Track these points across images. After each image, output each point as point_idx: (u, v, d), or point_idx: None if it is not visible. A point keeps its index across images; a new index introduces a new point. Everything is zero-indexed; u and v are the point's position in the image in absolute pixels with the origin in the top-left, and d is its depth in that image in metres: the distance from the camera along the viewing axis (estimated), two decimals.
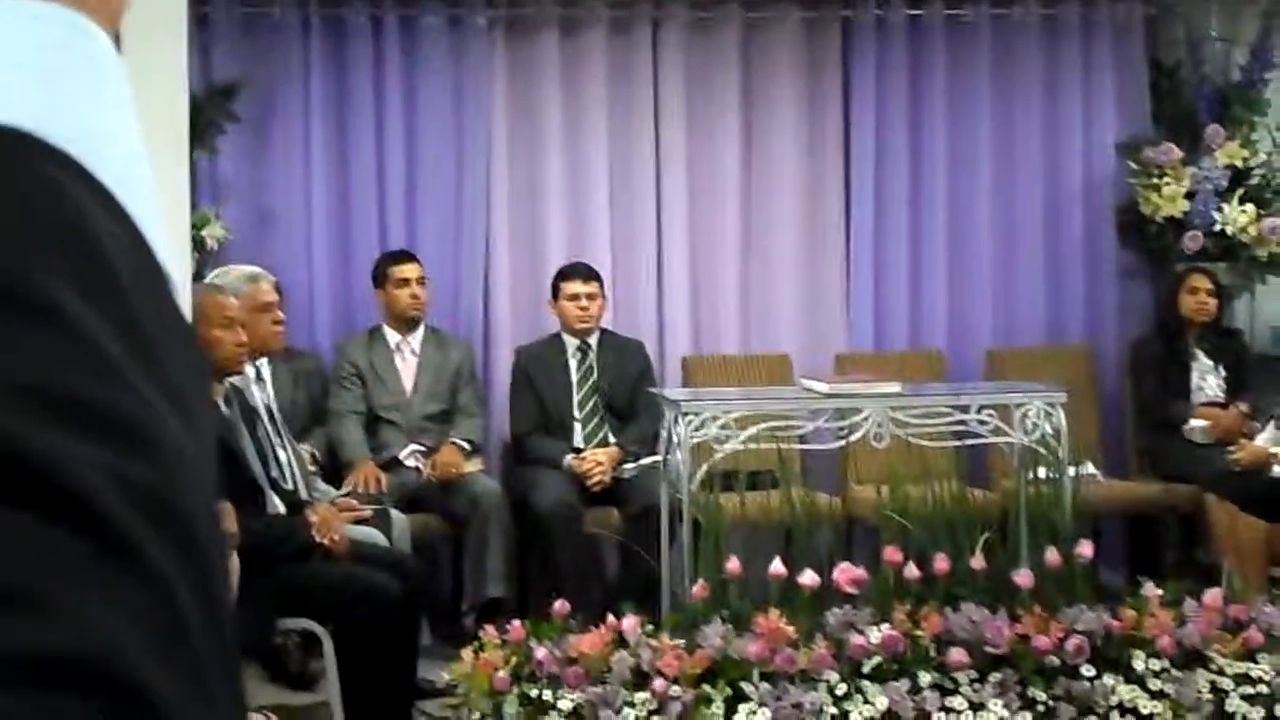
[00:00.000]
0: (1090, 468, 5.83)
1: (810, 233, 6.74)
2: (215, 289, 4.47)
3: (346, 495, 5.17)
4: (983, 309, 6.77)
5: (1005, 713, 4.08)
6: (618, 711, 3.97)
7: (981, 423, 4.95)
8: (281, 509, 4.49)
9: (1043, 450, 4.89)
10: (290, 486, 4.67)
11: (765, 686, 4.04)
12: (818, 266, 6.75)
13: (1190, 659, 4.30)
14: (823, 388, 5.09)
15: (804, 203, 6.73)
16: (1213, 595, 4.48)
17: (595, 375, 6.09)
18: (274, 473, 4.58)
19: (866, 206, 6.68)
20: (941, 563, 4.44)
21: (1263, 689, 4.28)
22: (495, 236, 6.47)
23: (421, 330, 6.07)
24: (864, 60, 6.69)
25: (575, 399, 6.07)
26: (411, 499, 5.62)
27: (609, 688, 4.02)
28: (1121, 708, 4.17)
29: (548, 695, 4.02)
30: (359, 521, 4.79)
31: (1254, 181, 6.58)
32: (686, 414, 4.80)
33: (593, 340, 6.14)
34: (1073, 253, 6.82)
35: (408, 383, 6.00)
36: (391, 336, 6.04)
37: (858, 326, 6.69)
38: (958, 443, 5.11)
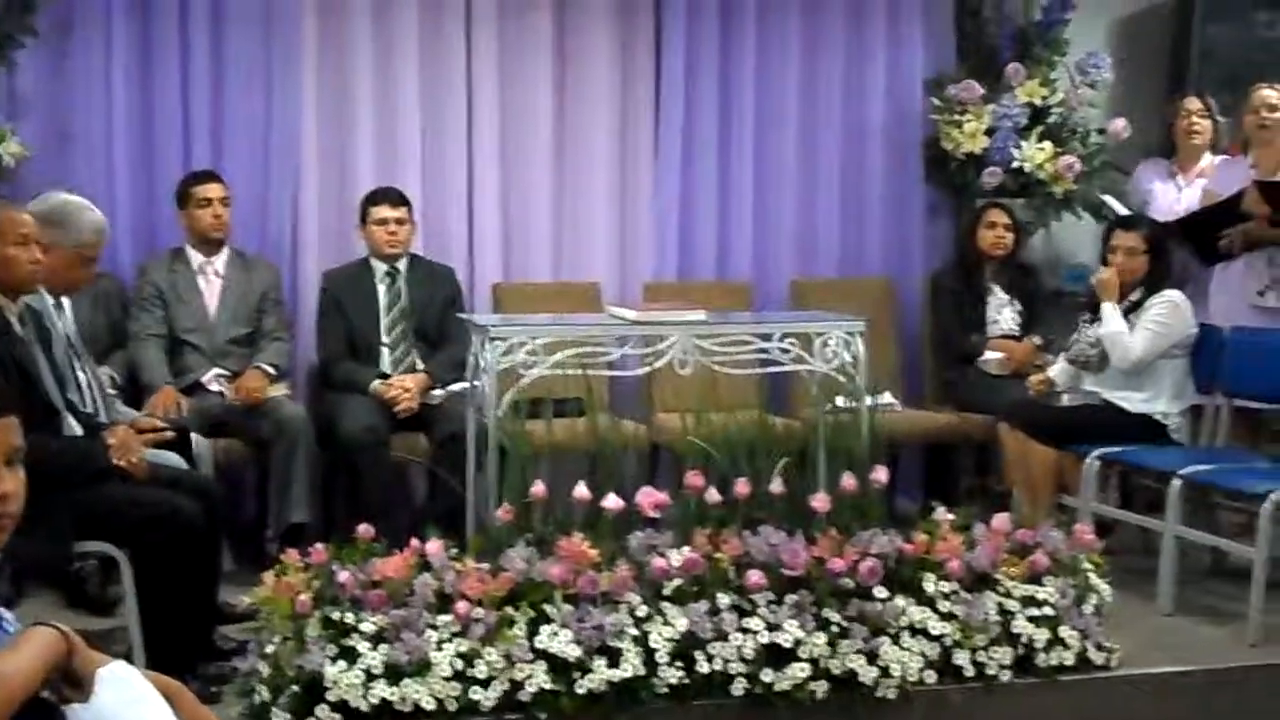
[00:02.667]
0: (888, 397, 5.99)
1: (621, 164, 6.77)
2: (9, 205, 4.35)
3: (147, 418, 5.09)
4: (788, 241, 6.88)
5: (801, 633, 4.17)
6: (420, 634, 3.99)
7: (784, 351, 5.04)
8: (79, 431, 4.40)
9: (842, 379, 5.00)
10: (88, 409, 4.59)
11: (568, 608, 4.08)
12: (628, 197, 6.79)
13: (979, 582, 4.43)
14: (629, 314, 5.14)
15: (615, 135, 6.74)
16: (1001, 520, 4.63)
17: (404, 301, 6.06)
18: (71, 395, 4.49)
19: (675, 140, 6.72)
20: (742, 488, 4.52)
21: (1048, 610, 4.44)
22: (304, 160, 6.38)
23: (226, 252, 5.98)
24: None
25: (383, 324, 6.04)
26: (214, 423, 5.55)
27: (412, 610, 4.03)
28: (912, 628, 4.29)
29: (350, 618, 4.02)
30: (160, 445, 4.71)
31: (1052, 120, 6.76)
32: (494, 339, 4.81)
33: (401, 266, 6.10)
34: (877, 187, 6.95)
35: (211, 305, 5.91)
36: (195, 258, 5.94)
37: (666, 257, 6.74)
38: (761, 370, 5.20)
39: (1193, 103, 6.54)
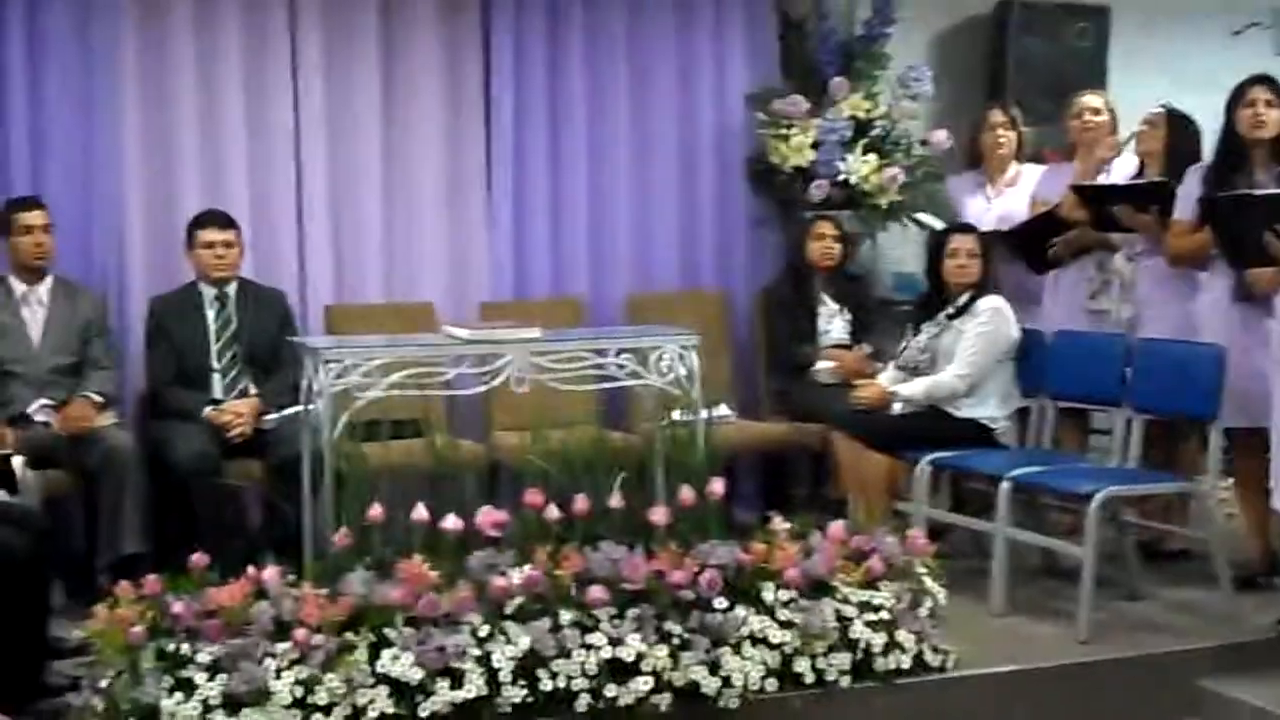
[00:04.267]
0: (724, 409, 6.04)
1: (453, 183, 6.75)
2: None
3: None
4: (622, 257, 6.92)
5: (643, 647, 4.19)
6: (258, 662, 3.94)
7: (620, 366, 5.07)
8: None
9: (678, 393, 5.04)
10: None
11: (409, 631, 4.06)
12: (460, 216, 6.76)
13: (817, 589, 4.49)
14: (464, 333, 5.12)
15: (446, 153, 6.73)
16: (837, 528, 4.70)
17: (234, 325, 5.97)
18: None
19: (506, 157, 6.72)
20: (581, 504, 4.53)
21: (884, 615, 4.51)
22: (128, 185, 6.25)
23: (49, 280, 5.84)
24: (503, 17, 6.71)
25: (213, 349, 5.95)
26: (41, 455, 5.41)
27: (249, 639, 3.98)
28: (753, 638, 4.34)
29: (186, 649, 3.96)
30: None
31: (876, 132, 6.87)
32: (328, 361, 4.76)
33: (231, 289, 6.02)
34: (707, 202, 7.02)
35: (35, 335, 5.76)
36: (17, 287, 5.79)
37: (501, 275, 6.74)
38: (598, 386, 5.21)
39: (997, 114, 6.66)
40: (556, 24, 6.80)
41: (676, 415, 5.10)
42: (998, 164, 6.61)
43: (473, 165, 6.76)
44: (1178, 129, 5.86)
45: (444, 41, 6.70)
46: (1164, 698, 4.78)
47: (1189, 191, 5.50)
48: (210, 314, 5.97)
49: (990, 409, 5.84)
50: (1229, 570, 5.24)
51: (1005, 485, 5.29)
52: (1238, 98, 5.44)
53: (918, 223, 6.76)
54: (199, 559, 4.26)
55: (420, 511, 4.42)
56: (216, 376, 5.92)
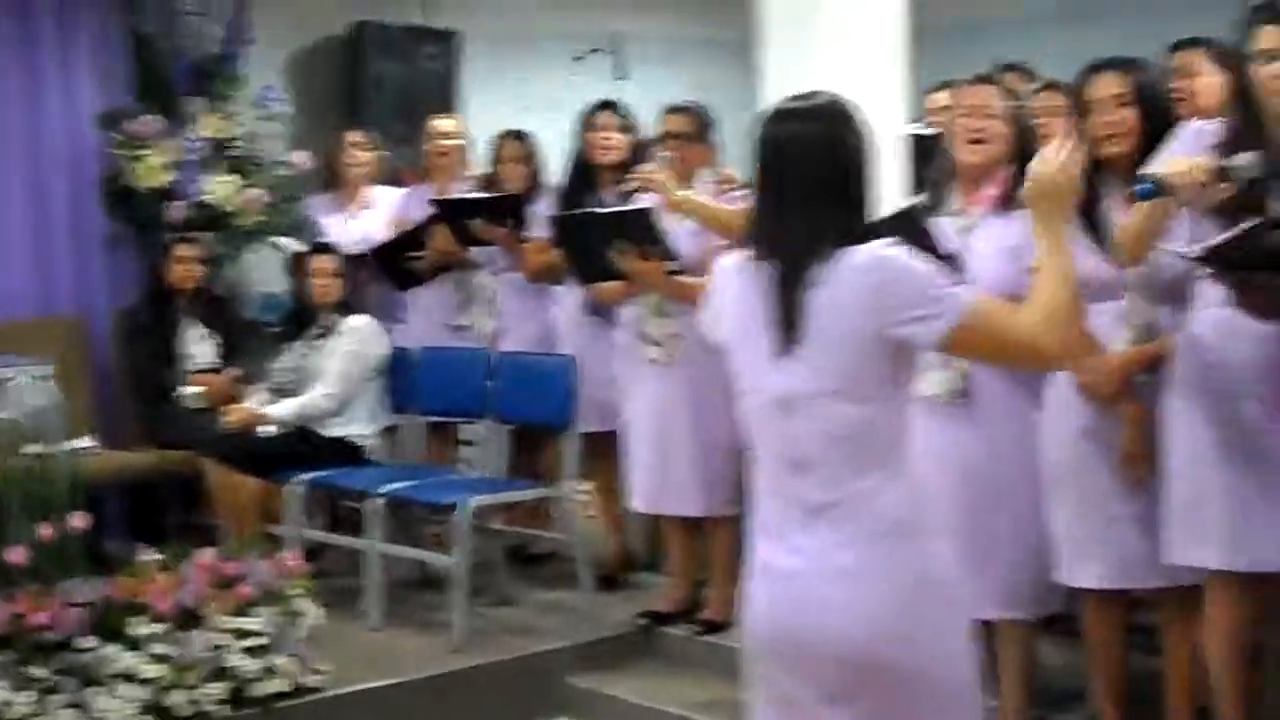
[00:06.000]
0: (87, 439, 5.81)
1: None
2: None
3: None
4: None
5: (7, 694, 3.99)
6: None
7: None
8: None
9: (35, 424, 4.81)
10: None
11: None
12: None
13: (189, 619, 4.40)
14: None
15: None
16: (205, 555, 4.62)
17: None
18: None
19: None
20: None
21: (261, 640, 4.47)
22: None
23: None
24: None
25: None
26: None
27: None
28: (125, 675, 4.21)
29: None
30: None
31: (236, 153, 6.80)
32: None
33: None
34: (61, 225, 6.71)
35: None
36: None
37: None
38: None
39: (353, 135, 6.75)
40: None
41: (34, 448, 4.86)
42: (355, 185, 6.68)
43: None
44: (533, 150, 6.11)
45: None
46: (536, 697, 4.98)
47: (544, 209, 5.75)
48: None
49: (359, 426, 5.91)
50: (591, 570, 5.51)
51: (376, 501, 5.36)
52: (586, 122, 5.73)
53: (275, 245, 6.72)
54: None
55: None
56: None
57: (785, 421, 2.59)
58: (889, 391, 2.56)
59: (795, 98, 2.66)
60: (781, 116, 2.64)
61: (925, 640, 2.56)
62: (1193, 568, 3.57)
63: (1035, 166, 2.66)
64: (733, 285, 2.68)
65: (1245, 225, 3.08)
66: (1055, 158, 2.65)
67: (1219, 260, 3.17)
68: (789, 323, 2.55)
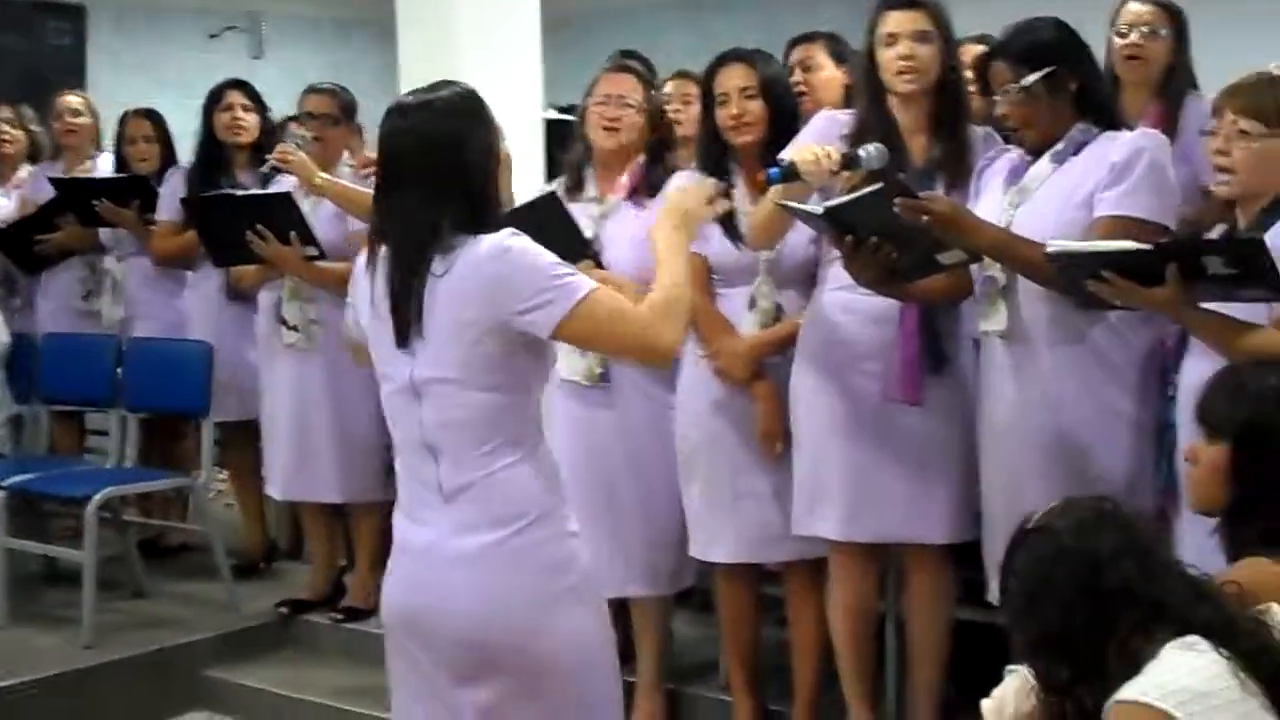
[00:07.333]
0: None
1: None
2: None
3: None
4: None
5: None
6: None
7: None
8: None
9: None
10: None
11: None
12: None
13: None
14: None
15: None
16: None
17: None
18: None
19: None
20: None
21: None
22: None
23: None
24: None
25: None
26: None
27: None
28: None
29: None
30: None
31: None
32: None
33: None
34: None
35: None
36: None
37: None
38: None
39: (3, 111, 6.45)
40: None
41: None
42: (9, 163, 6.37)
43: None
44: (163, 129, 5.93)
45: None
46: (170, 692, 4.87)
47: (173, 191, 5.59)
48: None
49: None
50: (228, 560, 5.39)
51: None
52: (215, 101, 5.61)
53: None
54: None
55: None
56: None
57: (415, 407, 2.61)
58: (517, 379, 2.60)
59: (418, 91, 2.67)
60: (403, 111, 2.64)
61: (551, 625, 2.59)
62: (817, 540, 3.73)
63: (673, 194, 2.83)
64: (367, 275, 2.68)
65: (869, 189, 3.22)
66: (695, 188, 2.82)
67: (835, 221, 3.30)
68: (409, 312, 2.57)
